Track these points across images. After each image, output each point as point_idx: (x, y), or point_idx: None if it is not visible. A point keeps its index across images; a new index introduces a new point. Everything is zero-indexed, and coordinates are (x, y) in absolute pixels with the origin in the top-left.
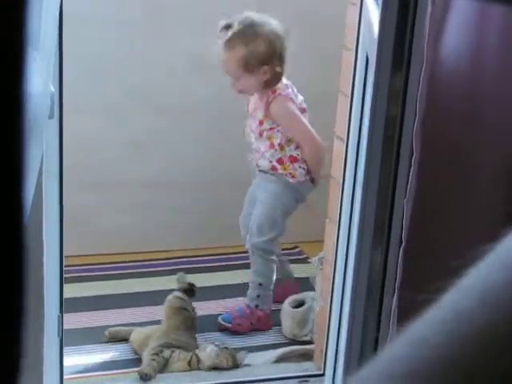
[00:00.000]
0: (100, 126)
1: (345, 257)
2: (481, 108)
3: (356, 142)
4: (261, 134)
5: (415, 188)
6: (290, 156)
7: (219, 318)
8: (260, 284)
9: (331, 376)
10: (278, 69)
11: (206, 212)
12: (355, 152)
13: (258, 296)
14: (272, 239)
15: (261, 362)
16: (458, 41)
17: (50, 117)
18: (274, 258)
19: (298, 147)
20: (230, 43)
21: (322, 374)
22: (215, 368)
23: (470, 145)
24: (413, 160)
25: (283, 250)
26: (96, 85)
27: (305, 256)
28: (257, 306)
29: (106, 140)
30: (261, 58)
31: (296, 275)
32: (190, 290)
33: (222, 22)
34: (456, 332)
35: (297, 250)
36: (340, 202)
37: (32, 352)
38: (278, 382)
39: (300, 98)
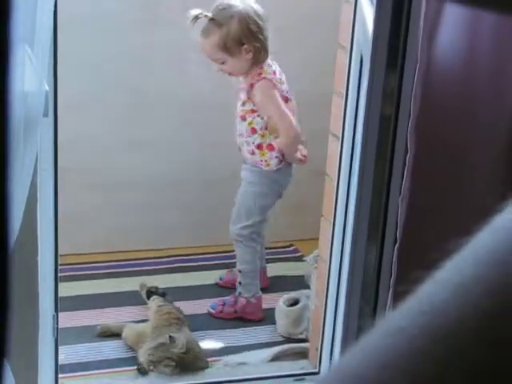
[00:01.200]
0: (100, 126)
1: (340, 255)
2: (474, 107)
3: (351, 141)
4: (243, 118)
5: (410, 186)
6: (269, 144)
7: (208, 306)
8: (239, 271)
9: None
10: (256, 44)
11: (208, 211)
12: (350, 150)
13: (240, 283)
14: (249, 226)
15: (256, 361)
16: (451, 40)
17: (45, 115)
18: (253, 245)
19: (277, 137)
20: (204, 31)
21: (318, 373)
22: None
23: (463, 143)
24: (407, 158)
25: (278, 248)
26: (97, 84)
27: (300, 254)
28: (240, 294)
29: (106, 139)
30: (237, 38)
31: (291, 273)
32: (157, 293)
33: (190, 14)
34: (431, 324)
35: (292, 248)
36: (335, 201)
37: (27, 351)
38: (273, 380)
39: (285, 86)
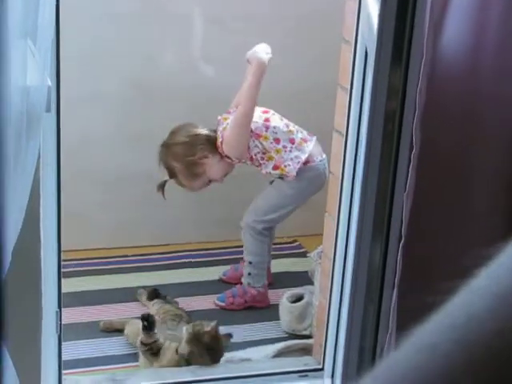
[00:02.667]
0: (102, 121)
1: (344, 251)
2: (480, 102)
3: (355, 137)
4: (251, 160)
5: (415, 183)
6: (277, 160)
7: (215, 299)
8: (250, 262)
9: (330, 370)
10: (189, 159)
11: (211, 207)
12: (354, 146)
13: (250, 274)
14: (264, 221)
15: (260, 357)
16: (457, 35)
17: (47, 110)
18: (263, 239)
19: (276, 151)
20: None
21: (322, 369)
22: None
23: (469, 139)
24: (412, 155)
25: (282, 244)
26: (97, 78)
27: (304, 250)
28: (249, 284)
29: (109, 134)
30: (187, 164)
31: (295, 269)
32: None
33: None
34: (465, 339)
35: (295, 244)
36: (339, 197)
37: (30, 347)
38: (277, 376)
39: (222, 125)
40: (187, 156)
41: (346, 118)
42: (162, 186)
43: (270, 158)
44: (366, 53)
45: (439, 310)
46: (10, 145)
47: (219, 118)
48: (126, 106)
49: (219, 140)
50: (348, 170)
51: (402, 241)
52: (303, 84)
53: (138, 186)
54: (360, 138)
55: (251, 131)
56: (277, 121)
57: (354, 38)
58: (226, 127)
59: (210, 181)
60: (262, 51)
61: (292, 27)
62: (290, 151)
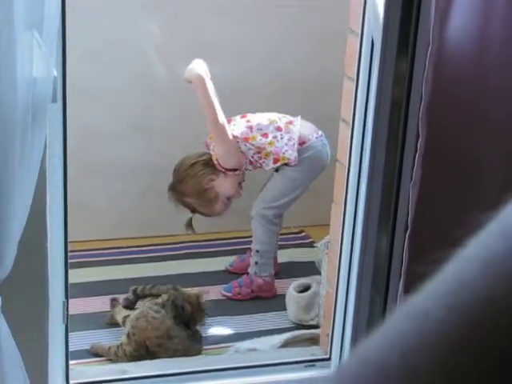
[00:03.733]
0: (107, 112)
1: (351, 241)
2: (486, 90)
3: (362, 126)
4: (251, 163)
5: (421, 172)
6: (275, 152)
7: (221, 289)
8: (257, 251)
9: (337, 360)
10: (198, 188)
11: None
12: (361, 136)
13: (256, 263)
14: (275, 207)
15: (267, 347)
16: (463, 24)
17: (54, 101)
18: (273, 228)
19: (269, 143)
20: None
21: (329, 359)
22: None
23: (475, 128)
24: (418, 144)
25: (289, 234)
26: (103, 70)
27: (311, 240)
28: (256, 273)
29: (115, 125)
30: (197, 192)
31: (302, 259)
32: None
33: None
34: (457, 304)
35: (302, 234)
36: (346, 186)
37: (37, 338)
38: (283, 366)
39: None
40: (194, 187)
41: (352, 108)
42: (189, 224)
43: (267, 155)
44: (372, 42)
45: (431, 278)
46: (16, 135)
47: (206, 140)
48: (131, 97)
49: (215, 159)
50: (354, 160)
51: (409, 230)
52: (309, 74)
53: (144, 178)
54: (366, 127)
55: (238, 137)
56: (257, 118)
57: (360, 27)
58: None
59: (228, 198)
60: (198, 66)
61: (296, 17)
62: (282, 138)
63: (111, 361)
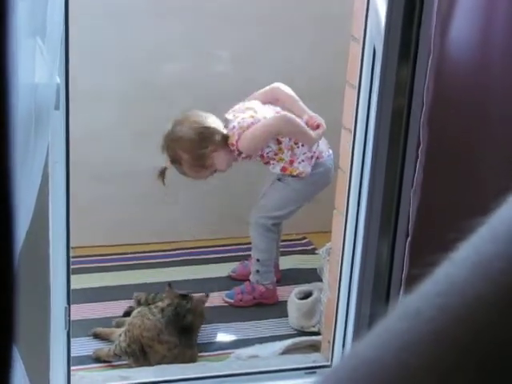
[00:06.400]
0: (110, 117)
1: (352, 248)
2: (487, 99)
3: (363, 133)
4: (263, 158)
5: (422, 179)
6: (290, 160)
7: (223, 296)
8: (258, 260)
9: None
10: (200, 152)
11: (219, 203)
12: (363, 143)
13: (258, 271)
14: (274, 218)
15: (268, 354)
16: (465, 32)
17: (56, 108)
18: (271, 236)
19: (287, 148)
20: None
21: (330, 366)
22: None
23: (476, 136)
24: (419, 151)
25: (291, 240)
26: (103, 75)
27: (312, 247)
28: (257, 281)
29: (117, 131)
30: (194, 157)
31: (304, 266)
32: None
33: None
34: (449, 305)
35: (304, 240)
36: (347, 193)
37: (39, 344)
38: (285, 373)
39: (247, 121)
40: (198, 149)
41: (354, 115)
42: (162, 173)
43: (280, 160)
44: (374, 50)
45: (423, 281)
46: (18, 142)
47: (228, 116)
48: (131, 102)
49: (234, 138)
50: (356, 167)
51: (409, 237)
52: (312, 81)
53: (146, 183)
54: (368, 135)
55: None
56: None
57: (362, 35)
58: (243, 126)
59: (215, 171)
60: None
61: (301, 26)
62: (303, 146)
63: (112, 366)
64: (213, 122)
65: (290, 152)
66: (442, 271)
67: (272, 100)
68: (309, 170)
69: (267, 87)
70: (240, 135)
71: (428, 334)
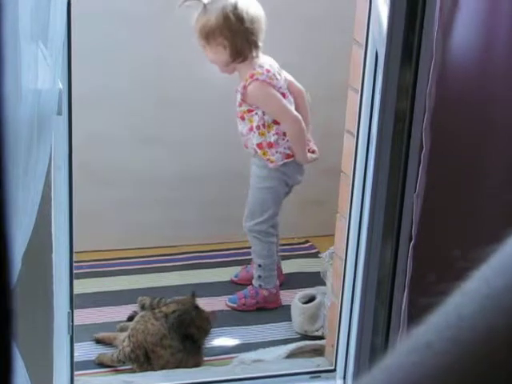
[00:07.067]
0: (116, 122)
1: (355, 252)
2: (490, 103)
3: (366, 137)
4: (242, 118)
5: (425, 183)
6: (269, 142)
7: (226, 300)
8: (259, 265)
9: (342, 371)
10: (235, 41)
11: (223, 208)
12: (365, 147)
13: (260, 276)
14: (265, 221)
15: (272, 358)
16: (467, 36)
17: (59, 114)
18: (271, 239)
19: (276, 133)
20: (197, 16)
21: (334, 370)
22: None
23: (479, 140)
24: (422, 155)
25: (294, 244)
26: (109, 80)
27: (316, 250)
28: (260, 286)
29: (122, 136)
30: (212, 29)
31: (307, 270)
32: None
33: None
34: (459, 338)
35: (307, 244)
36: (350, 197)
37: (42, 349)
38: (289, 377)
39: (282, 83)
40: (233, 39)
41: (356, 119)
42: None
43: (262, 135)
44: (377, 54)
45: (434, 311)
46: (21, 148)
47: (266, 60)
48: (137, 107)
49: (256, 75)
50: (359, 171)
51: (413, 241)
52: (314, 85)
53: (149, 189)
54: (371, 139)
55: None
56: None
57: (364, 39)
58: (269, 80)
59: (226, 66)
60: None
61: (302, 28)
62: (287, 141)
63: (116, 371)
64: (259, 36)
65: (275, 136)
66: (452, 302)
67: (292, 97)
68: (279, 163)
69: (298, 84)
70: (261, 82)
71: (439, 368)
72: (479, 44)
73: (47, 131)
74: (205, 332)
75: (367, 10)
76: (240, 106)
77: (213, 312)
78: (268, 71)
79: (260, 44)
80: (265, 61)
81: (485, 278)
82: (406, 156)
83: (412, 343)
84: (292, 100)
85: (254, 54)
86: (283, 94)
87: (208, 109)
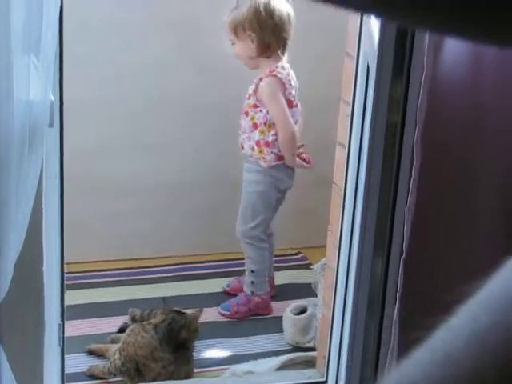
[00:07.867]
0: (107, 132)
1: (346, 265)
2: (481, 116)
3: (357, 149)
4: (246, 113)
5: (416, 196)
6: (267, 141)
7: (219, 308)
8: (252, 271)
9: (334, 383)
10: (263, 37)
11: (215, 218)
12: (357, 159)
13: (253, 282)
14: (257, 226)
15: (263, 370)
16: (457, 49)
17: (50, 125)
18: (264, 245)
19: (275, 134)
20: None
21: (325, 381)
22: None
23: (470, 153)
24: (413, 168)
25: (286, 255)
26: (108, 89)
27: (307, 262)
28: (252, 293)
29: (113, 145)
30: (242, 22)
31: (299, 281)
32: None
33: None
34: (444, 375)
35: (299, 255)
36: (342, 209)
37: (32, 361)
38: None
39: (294, 92)
40: (245, 21)
41: (348, 131)
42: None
43: (262, 133)
44: (368, 67)
45: (419, 346)
46: (12, 159)
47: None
48: (133, 116)
49: (275, 73)
50: (350, 183)
51: (404, 255)
52: (307, 97)
53: (138, 198)
54: (362, 151)
55: (282, 80)
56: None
57: (356, 53)
58: (282, 83)
59: (248, 58)
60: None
61: (295, 40)
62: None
63: (108, 383)
64: (288, 32)
65: (273, 137)
66: (439, 338)
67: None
68: (271, 164)
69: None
70: (277, 79)
71: None
72: (470, 58)
73: (39, 143)
74: (195, 332)
75: (358, 24)
76: (249, 98)
77: (200, 310)
78: (288, 74)
79: (288, 43)
80: (288, 66)
81: (471, 313)
82: (397, 169)
83: (397, 380)
84: (299, 110)
85: (280, 52)
86: (291, 102)
87: (211, 117)
